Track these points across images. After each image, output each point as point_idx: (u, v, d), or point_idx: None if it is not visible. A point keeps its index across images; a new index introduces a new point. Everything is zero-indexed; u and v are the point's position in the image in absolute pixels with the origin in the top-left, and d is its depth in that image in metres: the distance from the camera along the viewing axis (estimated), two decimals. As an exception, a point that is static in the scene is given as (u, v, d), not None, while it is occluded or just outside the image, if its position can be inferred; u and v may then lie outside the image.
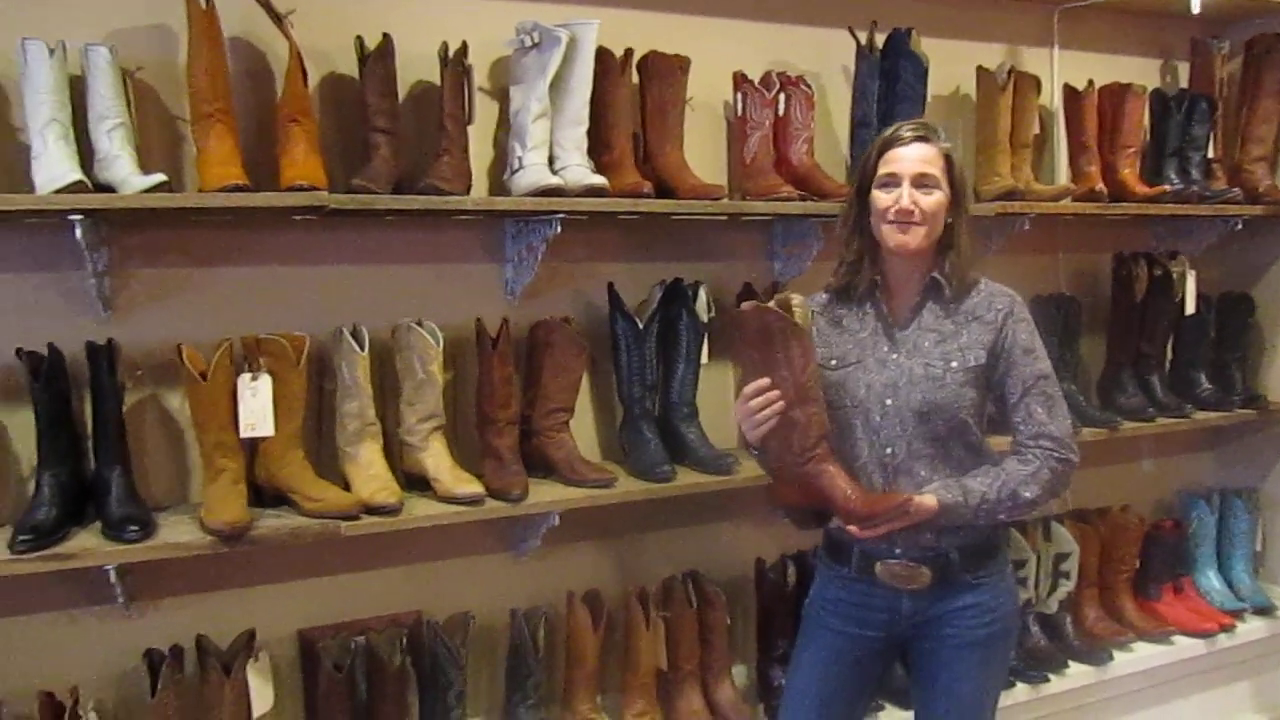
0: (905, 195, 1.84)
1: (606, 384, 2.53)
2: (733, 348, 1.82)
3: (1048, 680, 2.79)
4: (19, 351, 1.95)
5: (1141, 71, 3.21)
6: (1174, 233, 3.21)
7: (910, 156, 1.85)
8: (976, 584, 1.92)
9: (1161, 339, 3.12)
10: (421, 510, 2.12)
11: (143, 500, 2.00)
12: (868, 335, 1.93)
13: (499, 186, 2.32)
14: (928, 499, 1.82)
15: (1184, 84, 3.25)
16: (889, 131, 1.91)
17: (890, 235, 1.87)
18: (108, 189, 1.89)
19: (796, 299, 1.81)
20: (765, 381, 1.82)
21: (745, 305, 1.85)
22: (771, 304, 1.81)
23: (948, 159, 1.87)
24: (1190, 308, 3.09)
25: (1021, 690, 2.75)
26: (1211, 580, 3.24)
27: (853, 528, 1.84)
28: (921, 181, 1.84)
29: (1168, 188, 2.96)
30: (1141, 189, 2.94)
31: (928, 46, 2.59)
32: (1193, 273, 3.07)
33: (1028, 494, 1.85)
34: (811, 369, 1.81)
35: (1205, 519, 3.25)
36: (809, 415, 1.81)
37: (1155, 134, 3.06)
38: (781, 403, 1.81)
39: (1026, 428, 1.88)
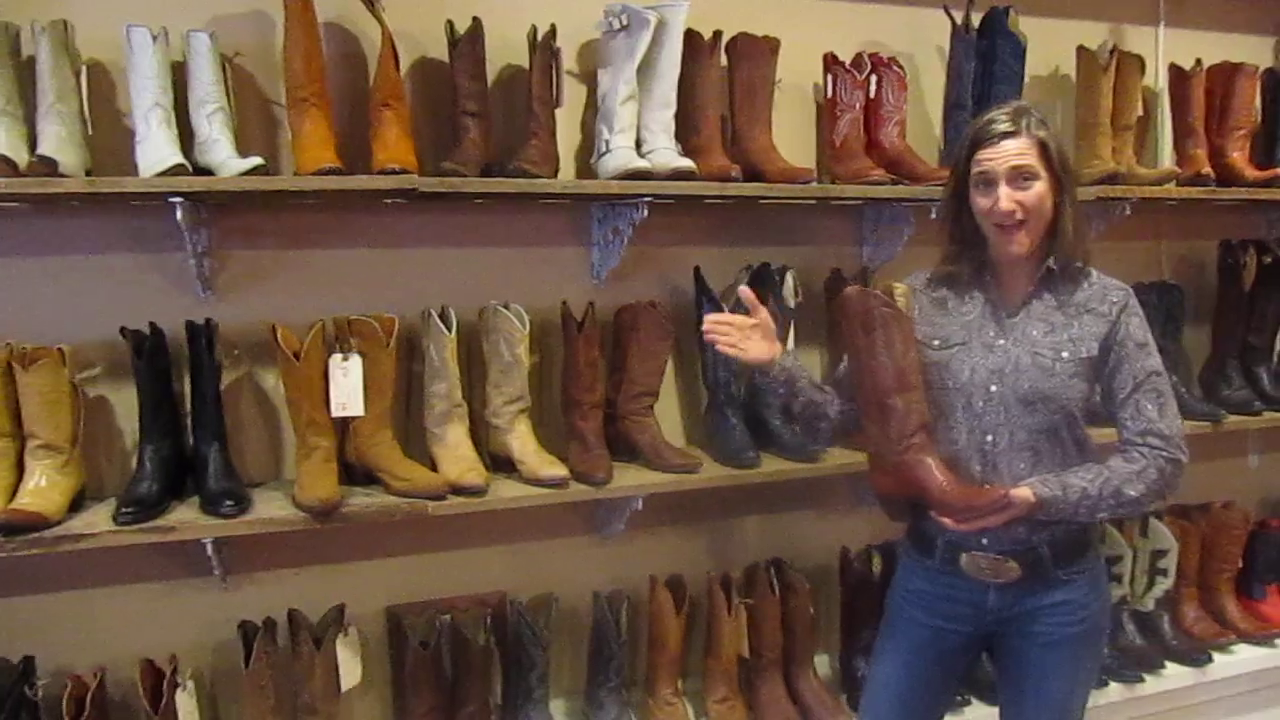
0: (1003, 197, 1.77)
1: (691, 369, 2.52)
2: (836, 329, 1.84)
3: (1143, 680, 2.70)
4: (123, 330, 2.01)
5: (1253, 50, 3.07)
6: (1286, 219, 3.08)
7: (1001, 153, 1.78)
8: (1067, 580, 1.87)
9: (1270, 330, 2.99)
10: (507, 492, 2.14)
11: (239, 476, 2.06)
12: (975, 318, 1.88)
13: (586, 170, 2.32)
14: (1024, 492, 1.77)
15: (1299, 63, 3.11)
16: (977, 125, 1.84)
17: (998, 242, 1.82)
18: (207, 172, 1.94)
19: (900, 287, 1.82)
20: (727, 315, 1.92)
21: (850, 289, 1.86)
22: (876, 289, 1.81)
23: (1042, 144, 1.78)
24: (1302, 297, 2.96)
25: (1115, 690, 2.67)
26: (1320, 581, 3.11)
27: (946, 520, 1.80)
28: (1017, 175, 1.77)
29: (1279, 171, 2.83)
30: (1252, 172, 2.82)
31: (1026, 25, 2.52)
32: (1306, 260, 2.93)
33: (1132, 492, 1.79)
34: (912, 356, 1.79)
35: (1315, 518, 3.12)
36: (908, 403, 1.79)
37: (1268, 115, 2.93)
38: (734, 334, 1.88)
39: (1135, 424, 1.81)
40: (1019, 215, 1.78)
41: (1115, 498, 1.79)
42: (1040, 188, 1.78)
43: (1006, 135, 1.78)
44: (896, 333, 1.79)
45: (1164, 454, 1.79)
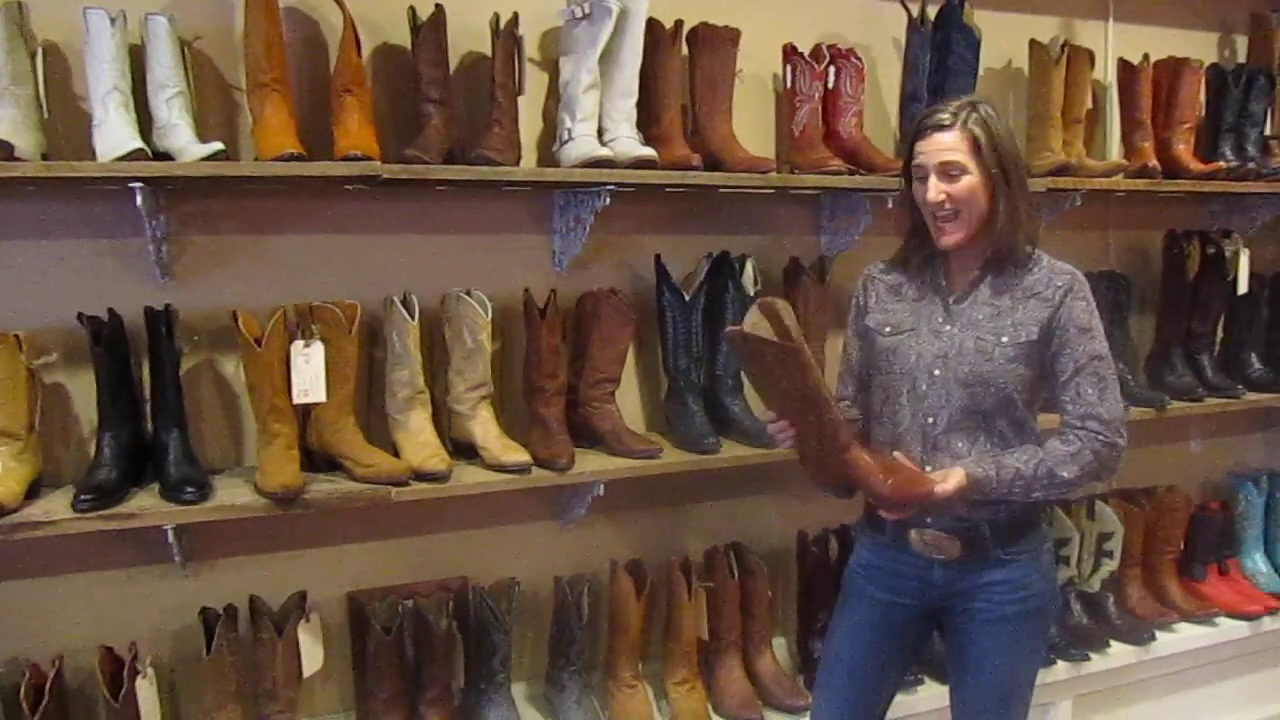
0: (931, 188, 1.83)
1: (652, 355, 2.55)
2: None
3: (1088, 659, 2.78)
4: (80, 316, 1.99)
5: (1199, 45, 3.15)
6: (1229, 210, 3.16)
7: (932, 147, 1.83)
8: (1008, 560, 1.91)
9: (1213, 318, 3.08)
10: (469, 478, 2.15)
11: (199, 462, 2.05)
12: (924, 304, 1.93)
13: (549, 158, 2.33)
14: (955, 479, 1.81)
15: (1242, 59, 3.19)
16: (920, 117, 1.89)
17: (934, 233, 1.87)
18: (166, 157, 1.93)
19: (782, 305, 1.71)
20: (772, 415, 1.87)
21: (731, 331, 1.77)
22: (755, 313, 1.72)
23: (974, 140, 1.81)
24: (1243, 287, 3.05)
25: (1062, 668, 2.74)
26: (1258, 562, 3.22)
27: (884, 512, 1.86)
28: (945, 170, 1.82)
29: (1223, 164, 2.91)
30: (1196, 165, 2.90)
31: (980, 19, 2.57)
32: (1246, 251, 3.02)
33: (1066, 474, 1.83)
34: (812, 377, 1.75)
35: (1254, 500, 3.22)
36: (822, 418, 1.79)
37: (1212, 109, 3.02)
38: (793, 430, 1.84)
39: (1075, 408, 1.85)
40: (948, 205, 1.82)
41: (1049, 478, 1.83)
42: (970, 181, 1.82)
43: (940, 128, 1.82)
44: (790, 362, 1.72)
45: (1101, 438, 1.83)
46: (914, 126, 1.89)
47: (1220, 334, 3.15)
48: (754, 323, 1.71)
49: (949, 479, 1.81)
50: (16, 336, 1.91)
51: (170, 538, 2.02)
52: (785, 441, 1.88)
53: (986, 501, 1.87)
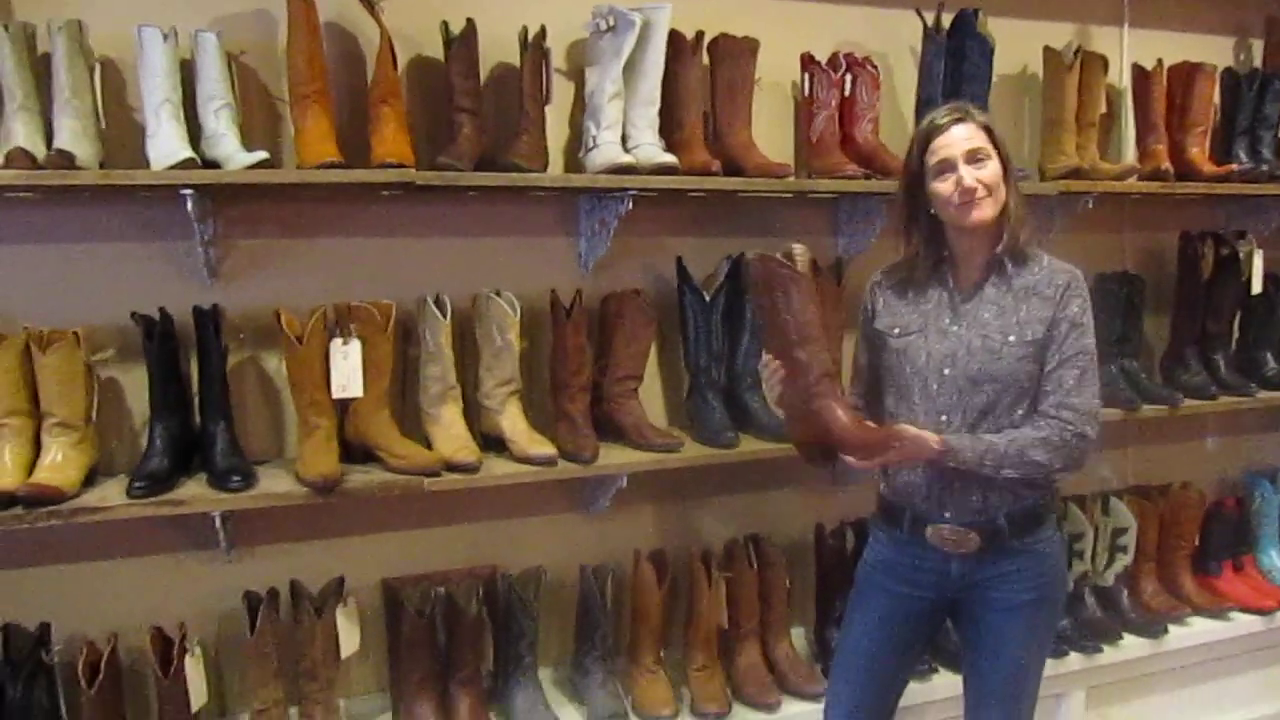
0: (965, 175, 1.88)
1: (674, 354, 2.63)
2: (748, 295, 1.97)
3: (1101, 651, 2.81)
4: (134, 314, 2.11)
5: (1215, 50, 3.18)
6: (1243, 212, 3.19)
7: (954, 139, 1.90)
8: (1023, 550, 1.98)
9: (1227, 318, 3.11)
10: (498, 469, 2.25)
11: (244, 453, 2.16)
12: (932, 306, 1.99)
13: (574, 164, 2.42)
14: (930, 435, 1.88)
15: (1258, 63, 3.23)
16: (924, 124, 1.96)
17: (961, 215, 1.91)
18: (214, 165, 2.04)
19: (799, 248, 1.92)
20: (768, 357, 1.95)
21: (751, 255, 1.94)
22: (777, 254, 1.91)
23: (988, 128, 1.92)
24: (1257, 287, 3.07)
25: (1075, 659, 2.79)
26: (1273, 559, 3.24)
27: (851, 459, 1.92)
28: (974, 157, 1.89)
29: (1235, 167, 2.95)
30: (1209, 168, 2.93)
31: (995, 26, 2.62)
32: (1260, 252, 3.05)
33: (1038, 457, 1.89)
34: (811, 311, 1.89)
35: (1269, 497, 3.24)
36: (811, 355, 1.89)
37: (1226, 113, 3.06)
38: (782, 371, 1.93)
39: (1053, 396, 1.91)
40: (980, 192, 1.89)
41: (1020, 457, 1.89)
42: (995, 167, 1.90)
43: (955, 123, 1.91)
44: (795, 291, 1.88)
45: (1071, 427, 1.89)
46: (921, 133, 1.96)
47: (1235, 334, 3.18)
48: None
49: (922, 432, 1.89)
50: (75, 333, 2.03)
51: (217, 524, 2.14)
52: (775, 385, 1.96)
53: (1001, 493, 1.94)
